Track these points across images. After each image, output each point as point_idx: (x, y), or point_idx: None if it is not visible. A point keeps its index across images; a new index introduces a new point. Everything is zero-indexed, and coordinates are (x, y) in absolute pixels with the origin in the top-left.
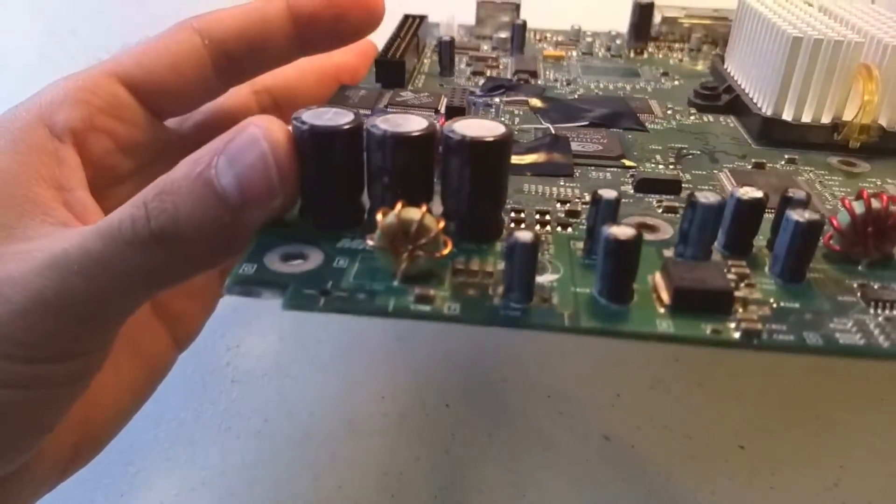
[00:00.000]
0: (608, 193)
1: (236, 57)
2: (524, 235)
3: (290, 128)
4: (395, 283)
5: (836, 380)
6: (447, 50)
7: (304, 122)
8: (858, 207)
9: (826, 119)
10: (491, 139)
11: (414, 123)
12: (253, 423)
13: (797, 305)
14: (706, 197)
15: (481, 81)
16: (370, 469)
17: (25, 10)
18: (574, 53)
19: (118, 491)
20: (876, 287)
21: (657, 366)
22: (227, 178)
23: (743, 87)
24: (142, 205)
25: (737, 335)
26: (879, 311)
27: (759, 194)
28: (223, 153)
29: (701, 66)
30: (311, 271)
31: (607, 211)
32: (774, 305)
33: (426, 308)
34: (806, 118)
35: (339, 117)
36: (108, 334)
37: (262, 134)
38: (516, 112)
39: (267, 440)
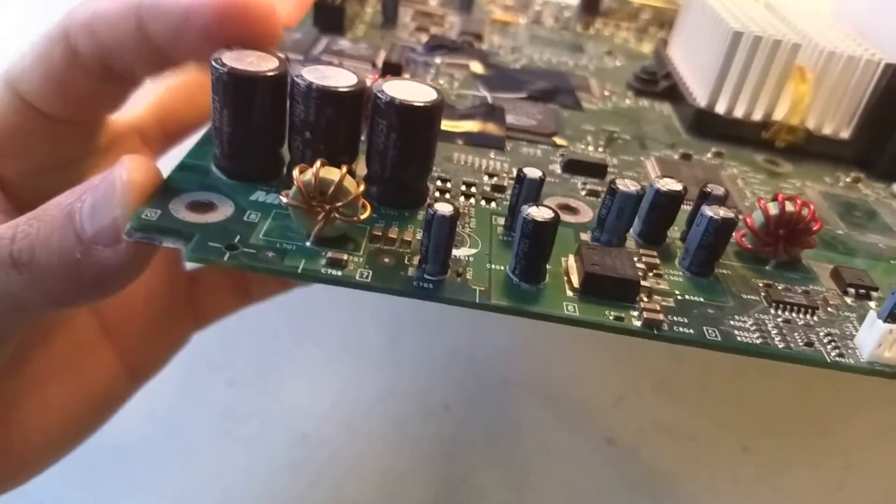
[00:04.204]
0: (532, 172)
1: (110, 69)
2: (444, 208)
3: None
4: (308, 243)
5: (841, 382)
6: (392, 1)
7: (223, 65)
8: (773, 209)
9: (757, 116)
10: (421, 104)
11: (343, 78)
12: (249, 425)
13: (701, 299)
14: (626, 185)
15: (424, 38)
16: (369, 471)
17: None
18: (522, 20)
19: (114, 493)
20: (780, 288)
21: (660, 368)
22: (87, 215)
23: (682, 74)
24: (14, 225)
25: (638, 324)
26: (780, 312)
27: (678, 187)
28: (93, 190)
29: (645, 48)
30: (219, 223)
31: (530, 190)
32: (679, 297)
33: (337, 273)
34: (738, 113)
35: (263, 62)
36: None
37: (122, 183)
38: (456, 76)
39: (264, 442)
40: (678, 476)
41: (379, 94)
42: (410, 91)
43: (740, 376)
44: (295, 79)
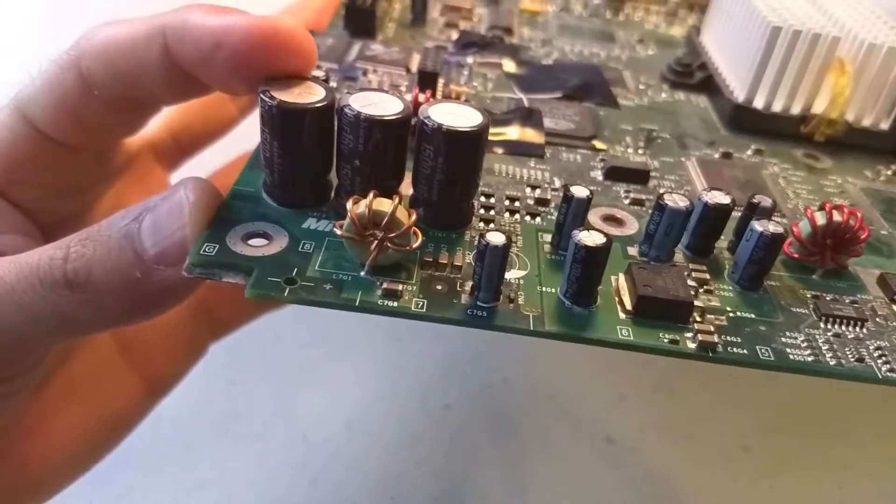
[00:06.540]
0: (580, 192)
1: (129, 98)
2: (496, 238)
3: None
4: (363, 273)
5: (841, 382)
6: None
7: (272, 98)
8: (820, 219)
9: (796, 110)
10: (467, 130)
11: (390, 104)
12: (251, 424)
13: (752, 316)
14: (674, 201)
15: (454, 34)
16: (369, 470)
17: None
18: (551, 8)
19: (115, 493)
20: (828, 299)
21: (661, 368)
22: (148, 234)
23: (717, 65)
24: (65, 246)
25: (693, 346)
26: (829, 326)
27: (726, 200)
28: (152, 211)
29: (676, 32)
30: (275, 255)
31: (578, 209)
32: (731, 314)
33: (393, 304)
34: (776, 107)
35: (309, 92)
36: (18, 367)
37: (188, 203)
38: (489, 76)
39: (265, 442)
40: (678, 476)
41: (425, 121)
42: (456, 115)
43: (740, 376)
44: (343, 108)
